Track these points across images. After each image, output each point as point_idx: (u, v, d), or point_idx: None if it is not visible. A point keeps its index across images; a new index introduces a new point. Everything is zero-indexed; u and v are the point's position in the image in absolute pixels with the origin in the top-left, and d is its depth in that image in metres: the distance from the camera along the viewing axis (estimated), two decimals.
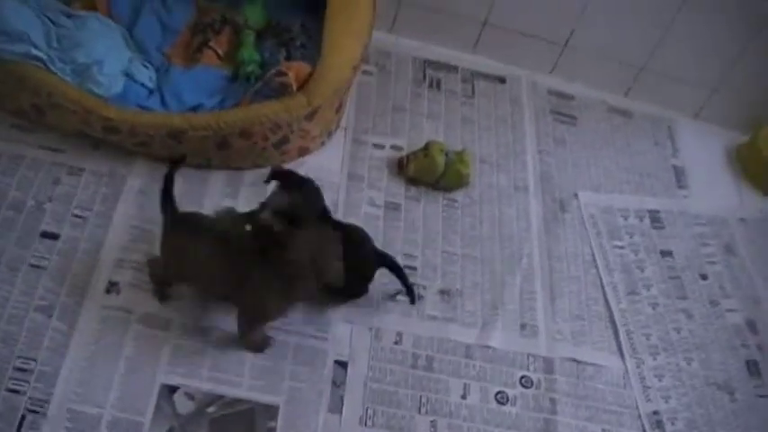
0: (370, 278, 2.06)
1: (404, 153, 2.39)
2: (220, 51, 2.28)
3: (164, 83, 2.19)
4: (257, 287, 1.80)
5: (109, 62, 2.12)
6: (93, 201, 2.09)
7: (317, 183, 2.02)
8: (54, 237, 2.01)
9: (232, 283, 1.81)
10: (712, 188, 2.64)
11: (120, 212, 2.08)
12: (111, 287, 1.96)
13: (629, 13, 2.57)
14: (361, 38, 2.22)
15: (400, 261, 2.12)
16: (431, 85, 2.63)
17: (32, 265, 1.95)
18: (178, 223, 1.86)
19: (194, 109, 2.15)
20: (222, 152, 2.13)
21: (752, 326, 2.32)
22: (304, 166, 2.25)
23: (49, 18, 2.14)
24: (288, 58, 2.27)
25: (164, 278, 1.94)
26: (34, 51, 2.05)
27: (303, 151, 2.27)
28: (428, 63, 2.69)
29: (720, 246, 2.48)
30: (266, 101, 2.12)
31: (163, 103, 2.16)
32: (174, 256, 1.86)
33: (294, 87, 2.11)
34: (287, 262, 1.76)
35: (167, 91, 2.17)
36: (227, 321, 1.93)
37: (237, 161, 2.19)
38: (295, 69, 2.14)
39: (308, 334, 2.00)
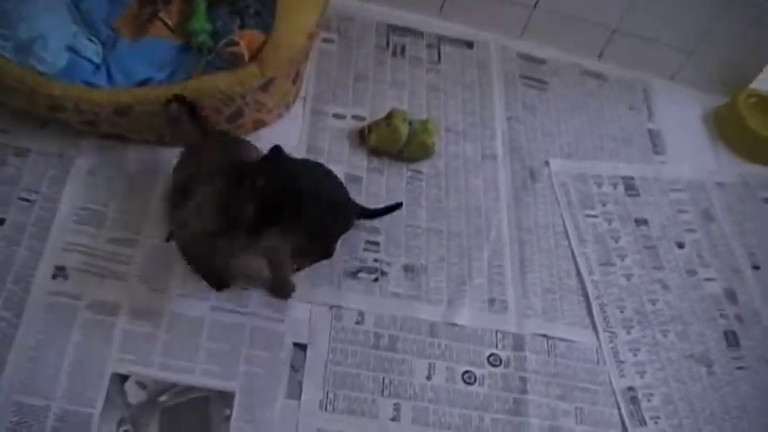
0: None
1: (366, 123, 2.29)
2: (170, 22, 2.17)
3: (111, 57, 2.09)
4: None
5: (53, 37, 2.01)
6: (41, 183, 1.99)
7: None
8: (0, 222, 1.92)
9: None
10: (689, 152, 2.56)
11: (68, 194, 1.99)
12: (59, 272, 1.87)
13: None
14: (316, 4, 2.12)
15: (362, 236, 2.06)
16: (395, 52, 2.53)
17: None
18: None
19: (142, 83, 2.05)
20: (173, 127, 2.04)
21: (730, 295, 2.25)
22: (260, 140, 2.14)
23: None
24: (242, 27, 2.18)
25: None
26: None
27: (259, 124, 2.18)
28: (392, 28, 2.58)
29: (698, 212, 2.40)
30: (218, 72, 2.02)
31: (110, 78, 2.06)
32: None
33: (246, 57, 2.02)
34: None
35: (114, 65, 2.07)
36: (180, 304, 1.88)
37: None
38: (247, 39, 2.04)
39: (264, 315, 1.92)
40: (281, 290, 1.94)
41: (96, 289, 1.87)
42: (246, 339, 1.87)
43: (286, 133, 2.21)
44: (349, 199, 2.04)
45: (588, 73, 2.67)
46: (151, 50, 2.11)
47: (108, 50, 2.11)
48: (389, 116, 2.23)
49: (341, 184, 2.04)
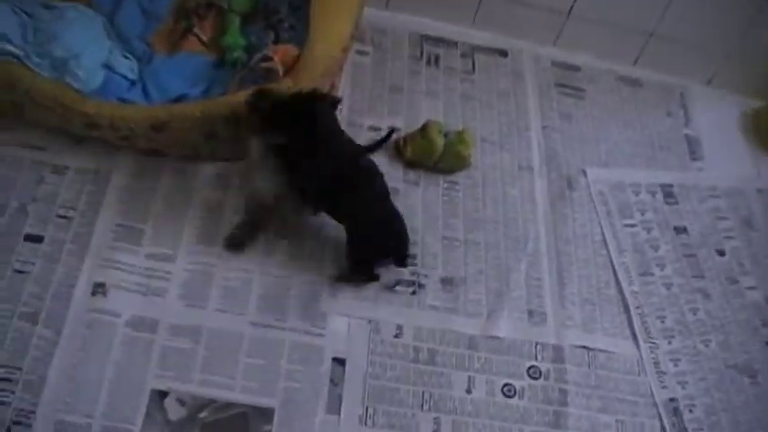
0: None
1: (401, 134, 2.28)
2: (204, 37, 2.18)
3: (146, 73, 2.10)
4: None
5: (87, 55, 2.02)
6: (78, 199, 2.01)
7: None
8: (38, 239, 1.93)
9: None
10: (728, 158, 2.52)
11: (105, 210, 2.00)
12: (97, 289, 1.89)
13: None
14: (350, 16, 2.12)
15: None
16: (429, 62, 2.52)
17: (16, 271, 1.88)
18: None
19: (178, 99, 2.05)
20: (209, 143, 2.04)
21: None
22: None
23: (25, 11, 2.04)
24: (276, 41, 2.17)
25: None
26: (9, 47, 1.96)
27: None
28: (425, 39, 2.57)
29: (737, 219, 2.37)
30: (253, 87, 2.01)
31: (145, 94, 2.06)
32: None
33: (281, 72, 2.01)
34: None
35: (150, 81, 2.08)
36: (218, 319, 1.89)
37: (226, 152, 2.10)
38: (281, 53, 2.04)
39: (303, 330, 1.92)
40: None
41: (135, 305, 1.88)
42: (285, 354, 1.87)
43: None
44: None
45: (624, 79, 2.64)
46: (186, 66, 2.12)
47: (143, 66, 2.11)
48: (424, 128, 2.22)
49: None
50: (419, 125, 2.25)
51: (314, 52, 2.03)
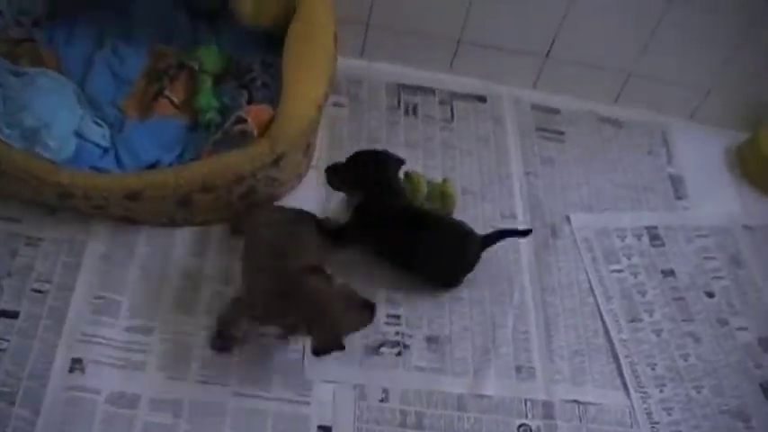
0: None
1: None
2: (176, 100, 2.14)
3: (118, 139, 2.06)
4: None
5: (58, 123, 1.99)
6: (53, 272, 1.96)
7: None
8: (13, 315, 1.88)
9: None
10: (713, 195, 2.49)
11: (82, 282, 1.96)
12: (75, 365, 1.84)
13: (612, 16, 2.40)
14: (323, 72, 2.08)
15: (383, 309, 2.02)
16: (407, 112, 2.49)
17: None
18: None
19: (152, 166, 2.02)
20: (185, 209, 2.01)
21: (765, 344, 2.18)
22: None
23: None
24: (250, 101, 2.14)
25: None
26: None
27: (272, 199, 2.14)
28: (403, 87, 2.54)
29: (726, 258, 2.33)
30: (227, 151, 1.98)
31: (118, 161, 2.03)
32: None
33: (255, 134, 1.98)
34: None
35: (122, 148, 2.04)
36: (200, 391, 1.84)
37: (202, 216, 2.07)
38: (254, 113, 2.00)
39: (287, 399, 1.87)
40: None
41: (114, 381, 1.83)
42: (270, 425, 1.83)
43: (301, 205, 2.16)
44: None
45: (605, 120, 2.61)
46: (159, 130, 2.08)
47: (115, 132, 2.08)
48: (405, 179, 2.18)
49: None
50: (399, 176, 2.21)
51: (289, 113, 2.00)
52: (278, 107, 2.00)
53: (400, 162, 2.10)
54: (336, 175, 2.09)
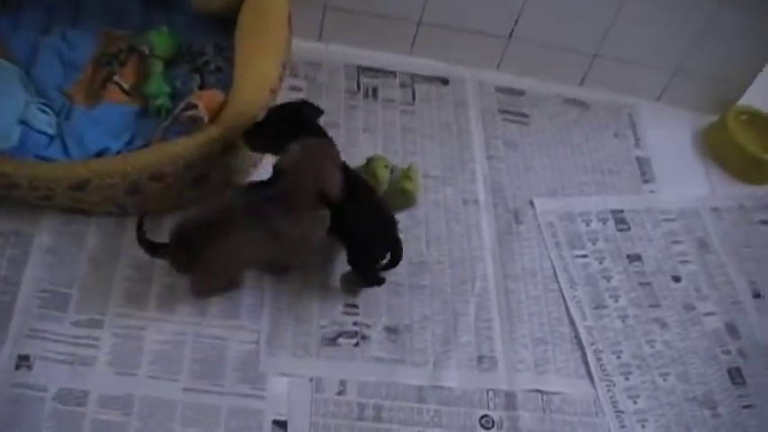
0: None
1: None
2: (126, 85, 2.07)
3: (65, 127, 1.99)
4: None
5: (3, 112, 1.92)
6: None
7: None
8: None
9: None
10: (680, 178, 2.45)
11: (29, 276, 1.90)
12: (22, 362, 1.78)
13: None
14: (277, 56, 2.02)
15: (340, 298, 2.01)
16: (366, 95, 2.42)
17: None
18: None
19: (99, 154, 1.95)
20: (135, 198, 1.95)
21: (732, 329, 2.15)
22: None
23: None
24: (202, 86, 2.07)
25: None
26: None
27: (226, 186, 2.07)
28: (362, 70, 2.47)
29: (693, 242, 2.30)
30: (178, 137, 1.92)
31: (65, 150, 1.96)
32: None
33: (206, 119, 1.91)
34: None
35: (69, 136, 1.97)
36: (150, 387, 1.79)
37: (154, 205, 2.00)
38: (206, 99, 1.94)
39: (241, 393, 1.82)
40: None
41: (62, 377, 1.77)
42: (223, 421, 1.78)
43: None
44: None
45: (570, 101, 2.56)
46: (107, 117, 2.01)
47: (62, 120, 2.01)
48: (369, 162, 2.12)
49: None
50: (359, 163, 2.15)
51: (240, 97, 1.94)
52: (230, 92, 1.94)
53: (319, 112, 1.97)
54: (256, 136, 1.93)
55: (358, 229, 1.91)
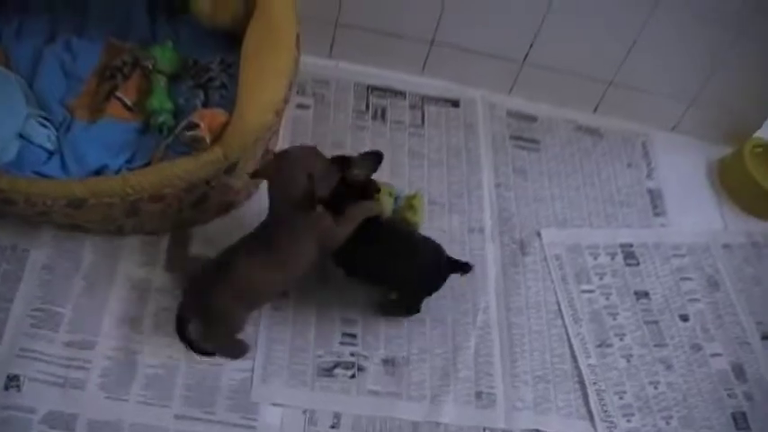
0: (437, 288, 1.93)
1: None
2: (128, 101, 2.02)
3: (64, 142, 1.95)
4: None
5: (2, 126, 1.88)
6: None
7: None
8: None
9: None
10: (692, 211, 2.39)
11: (23, 294, 1.87)
12: (11, 383, 1.75)
13: (594, 23, 2.30)
14: (282, 77, 1.96)
15: (338, 328, 1.95)
16: (375, 116, 2.37)
17: None
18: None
19: (98, 171, 1.91)
20: (133, 218, 1.91)
21: (738, 372, 2.09)
22: (230, 222, 2.03)
23: None
24: (206, 103, 2.02)
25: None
26: None
27: (226, 207, 2.05)
28: (372, 89, 2.42)
29: (702, 279, 2.24)
30: (178, 157, 1.87)
31: (63, 166, 1.92)
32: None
33: (208, 140, 1.86)
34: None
35: (68, 152, 1.93)
36: (141, 413, 1.76)
37: (151, 225, 1.97)
38: (208, 119, 1.88)
39: (232, 423, 1.79)
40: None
41: (52, 399, 1.74)
42: None
43: (257, 213, 2.03)
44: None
45: (583, 129, 2.50)
46: (107, 134, 1.96)
47: (62, 134, 1.96)
48: None
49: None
50: None
51: (244, 118, 1.89)
52: (233, 112, 1.89)
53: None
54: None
55: (411, 274, 1.88)
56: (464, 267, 1.89)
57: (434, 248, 1.89)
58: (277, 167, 1.77)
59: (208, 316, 1.81)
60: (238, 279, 1.75)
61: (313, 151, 1.81)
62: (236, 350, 1.87)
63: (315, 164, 1.76)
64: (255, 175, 1.80)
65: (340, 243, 1.78)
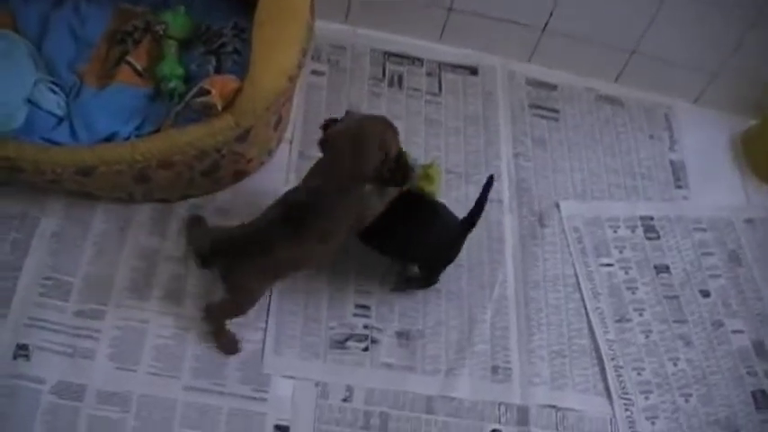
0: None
1: None
2: (139, 66, 1.98)
3: (74, 108, 1.91)
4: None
5: (8, 91, 1.84)
6: (2, 249, 1.84)
7: (259, 210, 1.76)
8: None
9: None
10: (715, 185, 2.34)
11: (31, 261, 1.84)
12: (20, 352, 1.73)
13: None
14: (296, 42, 1.91)
15: (351, 299, 1.91)
16: (391, 83, 2.32)
17: None
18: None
19: (108, 138, 1.87)
20: (143, 185, 1.87)
21: (760, 349, 2.05)
22: (241, 192, 1.99)
23: None
24: (218, 69, 1.98)
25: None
26: None
27: (239, 175, 2.01)
28: (388, 56, 2.37)
29: (724, 254, 2.19)
30: (189, 124, 1.83)
31: (72, 133, 1.88)
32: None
33: (219, 107, 1.82)
34: None
35: (78, 118, 1.89)
36: (150, 384, 1.74)
37: (162, 193, 1.93)
38: (219, 85, 1.83)
39: (243, 395, 1.76)
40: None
41: (61, 369, 1.72)
42: (223, 423, 1.73)
43: (270, 182, 2.04)
44: None
45: (604, 98, 2.44)
46: (117, 100, 1.92)
47: (71, 100, 1.92)
48: None
49: None
50: None
51: (255, 84, 1.84)
52: (245, 78, 1.84)
53: None
54: None
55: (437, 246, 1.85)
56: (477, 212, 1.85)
57: (451, 215, 1.86)
58: (352, 139, 1.66)
59: (233, 289, 1.75)
60: (269, 259, 1.68)
61: (389, 127, 1.71)
62: (230, 346, 1.81)
63: (392, 142, 1.69)
64: (325, 143, 1.69)
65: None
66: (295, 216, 1.66)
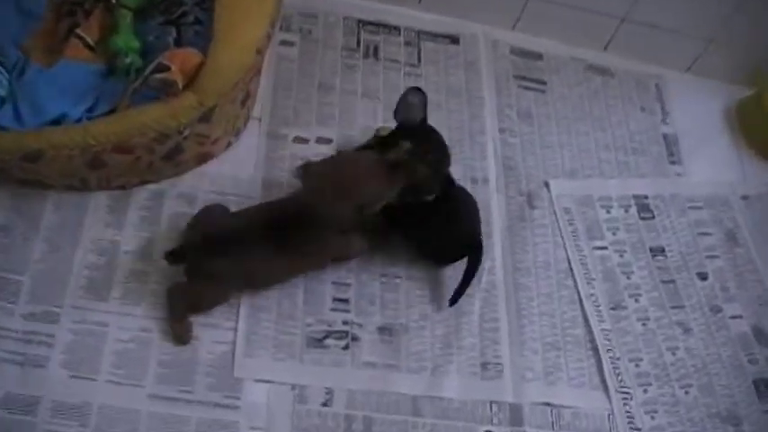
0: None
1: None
2: (90, 40, 1.80)
3: (18, 87, 1.73)
4: None
5: None
6: None
7: (225, 195, 1.73)
8: None
9: None
10: (710, 159, 2.22)
11: None
12: None
13: None
14: (264, 11, 1.75)
15: (328, 292, 1.77)
16: (366, 54, 2.16)
17: None
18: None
19: (57, 121, 1.69)
20: (98, 171, 1.70)
21: (760, 334, 1.95)
22: (206, 176, 1.84)
23: None
24: (179, 41, 1.80)
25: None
26: None
27: (203, 158, 1.85)
28: (363, 24, 2.20)
29: (721, 234, 2.08)
30: (147, 103, 1.66)
31: (17, 115, 1.70)
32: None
33: (180, 85, 1.65)
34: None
35: (23, 99, 1.71)
36: (111, 393, 1.59)
37: (119, 179, 1.77)
38: (180, 60, 1.67)
39: (214, 402, 1.62)
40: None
41: (10, 380, 1.57)
42: None
43: (237, 165, 1.89)
44: None
45: (593, 68, 2.30)
46: (67, 78, 1.74)
47: (15, 79, 1.74)
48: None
49: None
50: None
51: (219, 59, 1.68)
52: (208, 52, 1.67)
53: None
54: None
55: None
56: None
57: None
58: (326, 183, 1.59)
59: (199, 284, 1.65)
60: (246, 267, 1.62)
61: (378, 174, 1.59)
62: (182, 335, 1.67)
63: (379, 191, 1.59)
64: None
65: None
66: (278, 231, 1.59)
